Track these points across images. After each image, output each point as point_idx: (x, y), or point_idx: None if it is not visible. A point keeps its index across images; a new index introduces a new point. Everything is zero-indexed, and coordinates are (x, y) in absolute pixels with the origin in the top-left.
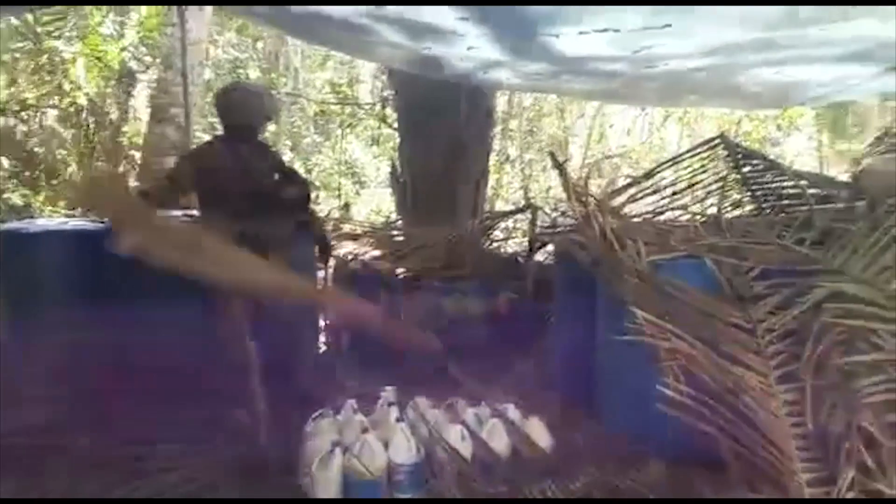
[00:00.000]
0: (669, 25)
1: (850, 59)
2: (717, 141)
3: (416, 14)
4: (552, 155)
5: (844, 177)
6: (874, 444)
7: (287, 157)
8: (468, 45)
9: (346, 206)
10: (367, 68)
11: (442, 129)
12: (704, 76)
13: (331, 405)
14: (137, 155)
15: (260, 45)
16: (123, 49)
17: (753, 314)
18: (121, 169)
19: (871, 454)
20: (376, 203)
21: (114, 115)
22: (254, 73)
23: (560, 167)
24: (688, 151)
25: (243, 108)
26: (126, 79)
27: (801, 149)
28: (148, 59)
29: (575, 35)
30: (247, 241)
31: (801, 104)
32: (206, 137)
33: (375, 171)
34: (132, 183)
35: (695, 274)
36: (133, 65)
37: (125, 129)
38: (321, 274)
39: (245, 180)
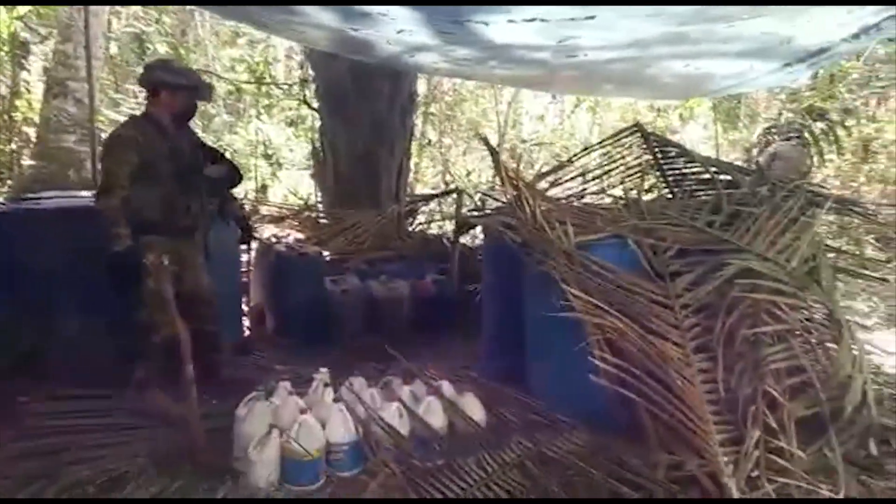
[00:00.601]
0: (593, 17)
1: (752, 54)
2: (633, 129)
3: None
4: (485, 139)
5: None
6: (777, 406)
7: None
8: (398, 28)
9: (264, 188)
10: (280, 48)
11: (365, 112)
12: (620, 67)
13: (262, 388)
14: (31, 132)
15: (166, 19)
16: (19, 18)
17: (671, 290)
18: (13, 146)
19: (774, 415)
20: (294, 185)
21: (3, 90)
22: (161, 48)
23: (493, 151)
24: (609, 138)
25: None
26: (19, 51)
27: (698, 137)
28: (42, 30)
29: (504, 23)
30: (177, 220)
31: (705, 95)
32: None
33: (290, 153)
34: (26, 162)
35: (618, 253)
36: (26, 35)
37: (17, 103)
38: (244, 257)
39: (174, 159)
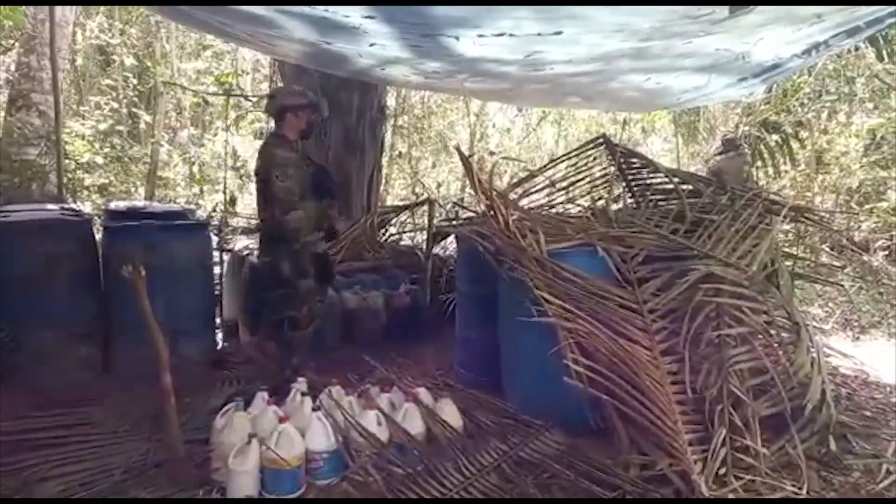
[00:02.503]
0: (560, 33)
1: (709, 69)
2: (599, 140)
3: (324, 10)
4: (458, 149)
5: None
6: (741, 406)
7: (165, 148)
8: (370, 41)
9: (233, 201)
10: (248, 60)
11: (335, 124)
12: (585, 80)
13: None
14: None
15: (132, 31)
16: None
17: (639, 296)
18: None
19: (739, 414)
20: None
21: None
22: (128, 61)
23: (466, 161)
24: (576, 149)
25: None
26: None
27: (659, 150)
28: (4, 41)
29: (474, 37)
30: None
31: (666, 108)
32: (75, 125)
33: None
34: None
35: (588, 261)
36: None
37: None
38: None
39: (303, 172)
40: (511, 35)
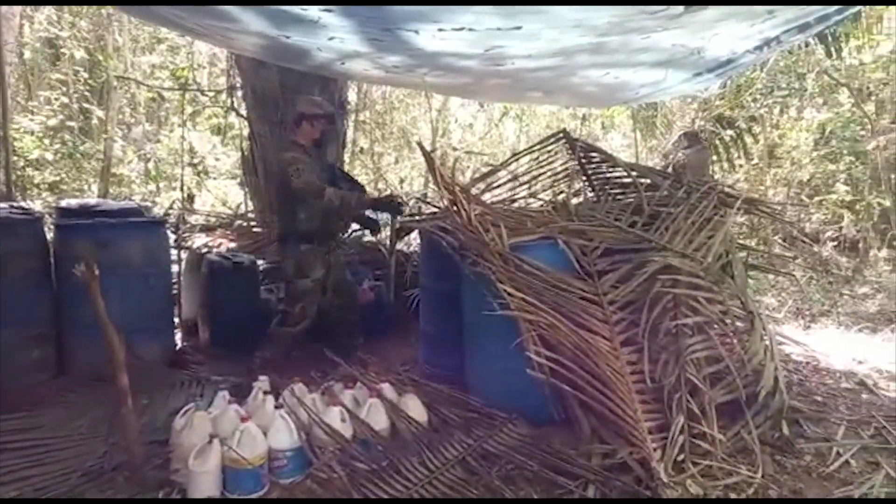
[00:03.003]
0: (520, 28)
1: (665, 64)
2: (560, 135)
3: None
4: (420, 145)
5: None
6: (698, 393)
7: (119, 144)
8: (329, 35)
9: (191, 198)
10: (204, 54)
11: None
12: (546, 75)
13: (200, 399)
14: None
15: (82, 23)
16: None
17: (599, 288)
18: None
19: (696, 401)
20: (222, 194)
21: None
22: (78, 54)
23: (428, 156)
24: (537, 144)
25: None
26: None
27: (618, 145)
28: None
29: (434, 31)
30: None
31: (624, 103)
32: (23, 121)
33: (217, 162)
34: None
35: (550, 254)
36: None
37: None
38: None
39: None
40: (471, 30)
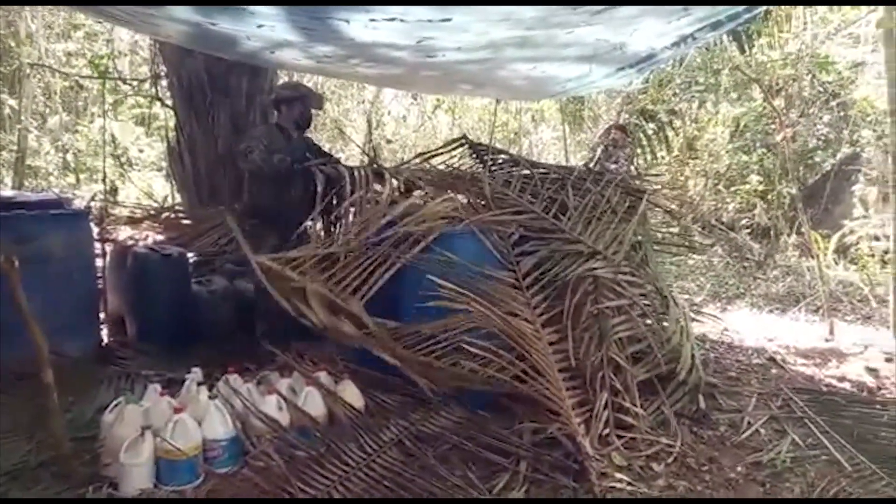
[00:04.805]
0: (449, 20)
1: (590, 59)
2: (461, 141)
3: None
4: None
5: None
6: (621, 371)
7: (34, 135)
8: (258, 22)
9: (114, 191)
10: (124, 41)
11: (223, 110)
12: (475, 68)
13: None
14: None
15: None
16: None
17: (519, 273)
18: None
19: (619, 379)
20: (147, 186)
21: None
22: None
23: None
24: (439, 148)
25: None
26: None
27: (548, 138)
28: None
29: (365, 21)
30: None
31: (552, 97)
32: None
33: (140, 153)
34: None
35: (471, 244)
36: None
37: None
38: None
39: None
40: (402, 20)
